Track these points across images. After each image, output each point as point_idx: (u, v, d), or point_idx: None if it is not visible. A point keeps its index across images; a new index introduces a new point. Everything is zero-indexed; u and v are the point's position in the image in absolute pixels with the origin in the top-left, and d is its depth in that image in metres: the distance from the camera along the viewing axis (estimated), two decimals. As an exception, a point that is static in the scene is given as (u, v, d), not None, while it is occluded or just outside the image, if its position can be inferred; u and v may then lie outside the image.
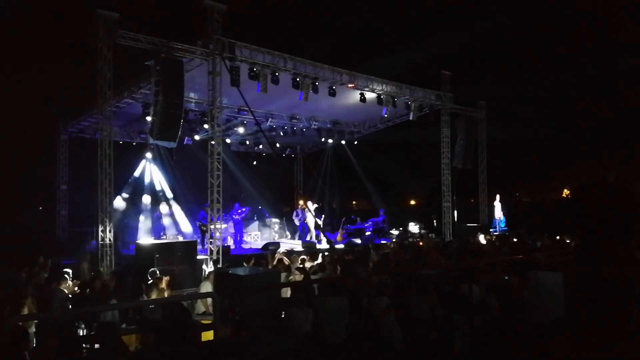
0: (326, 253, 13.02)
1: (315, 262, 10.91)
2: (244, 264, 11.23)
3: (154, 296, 7.83)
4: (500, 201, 20.92)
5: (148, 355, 5.28)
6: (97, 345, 5.18)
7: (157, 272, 9.91)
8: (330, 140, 22.06)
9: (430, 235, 20.26)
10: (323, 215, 20.90)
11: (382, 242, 16.92)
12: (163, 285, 8.73)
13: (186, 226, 18.21)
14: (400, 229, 21.68)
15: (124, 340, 6.36)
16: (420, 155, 26.42)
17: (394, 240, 17.98)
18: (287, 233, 20.25)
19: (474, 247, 13.94)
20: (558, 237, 14.80)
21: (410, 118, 18.54)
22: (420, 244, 16.20)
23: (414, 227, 21.78)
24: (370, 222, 20.80)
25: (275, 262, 11.19)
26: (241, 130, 19.03)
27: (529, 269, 5.20)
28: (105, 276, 10.48)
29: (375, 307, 6.15)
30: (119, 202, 17.35)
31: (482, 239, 16.64)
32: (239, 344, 5.03)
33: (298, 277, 9.38)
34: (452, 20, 36.57)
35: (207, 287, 9.29)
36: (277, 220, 20.70)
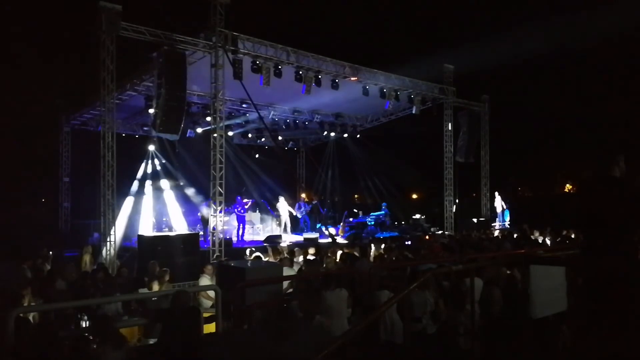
0: (329, 246, 13.00)
1: (318, 255, 10.88)
2: (246, 256, 11.23)
3: (155, 288, 7.82)
4: (499, 195, 21.02)
5: (150, 348, 5.29)
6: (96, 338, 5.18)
7: (157, 265, 9.77)
8: (332, 134, 22.05)
9: (432, 229, 20.28)
10: (326, 209, 20.86)
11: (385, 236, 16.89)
12: (166, 278, 8.69)
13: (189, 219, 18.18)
14: (402, 222, 21.66)
15: (126, 332, 6.39)
16: (423, 149, 26.37)
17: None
18: (289, 226, 20.21)
19: (476, 241, 13.91)
20: (561, 232, 14.76)
21: (413, 112, 18.50)
22: (427, 237, 16.19)
23: (417, 220, 21.75)
24: (372, 216, 20.78)
25: (277, 255, 11.16)
26: (244, 123, 18.96)
27: (531, 263, 5.19)
28: (105, 269, 10.44)
29: (376, 301, 6.14)
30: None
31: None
32: (240, 337, 5.04)
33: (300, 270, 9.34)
34: (457, 15, 36.34)
35: (204, 280, 8.90)
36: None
